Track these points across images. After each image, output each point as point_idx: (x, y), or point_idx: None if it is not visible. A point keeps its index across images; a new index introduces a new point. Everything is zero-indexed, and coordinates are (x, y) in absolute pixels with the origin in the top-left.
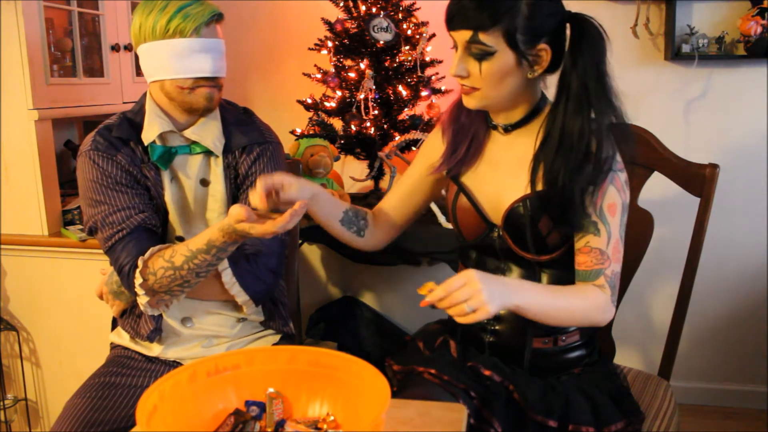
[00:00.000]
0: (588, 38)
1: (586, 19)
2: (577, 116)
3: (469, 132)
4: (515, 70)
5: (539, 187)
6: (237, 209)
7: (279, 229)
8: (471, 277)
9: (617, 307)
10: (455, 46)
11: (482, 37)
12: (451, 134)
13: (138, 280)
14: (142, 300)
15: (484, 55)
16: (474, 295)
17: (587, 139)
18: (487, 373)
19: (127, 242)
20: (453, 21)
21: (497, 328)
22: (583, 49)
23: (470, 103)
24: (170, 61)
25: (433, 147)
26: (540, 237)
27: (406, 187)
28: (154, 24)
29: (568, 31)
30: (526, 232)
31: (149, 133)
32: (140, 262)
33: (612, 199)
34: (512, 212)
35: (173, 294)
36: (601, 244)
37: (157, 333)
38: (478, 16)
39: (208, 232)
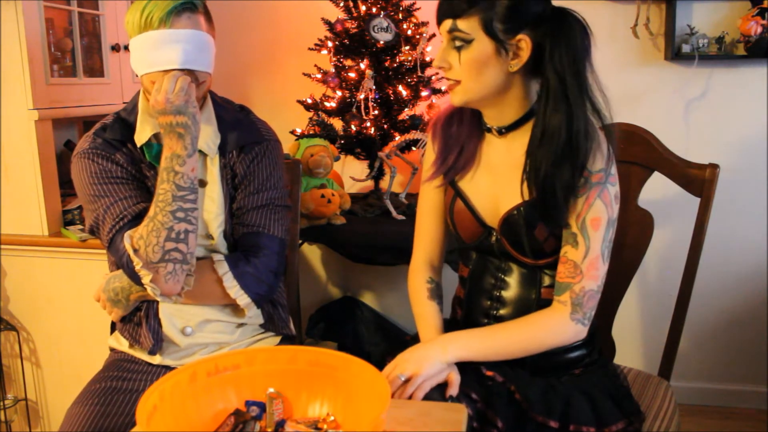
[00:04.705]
0: (566, 31)
1: (569, 12)
2: (556, 112)
3: (459, 141)
4: (494, 61)
5: (529, 194)
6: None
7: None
8: (399, 357)
9: (617, 305)
10: None
11: (460, 24)
12: (441, 143)
13: (129, 250)
14: (146, 279)
15: (462, 43)
16: (399, 364)
17: (566, 135)
18: (489, 373)
19: (128, 230)
20: (438, 14)
21: None
22: (560, 42)
23: (454, 99)
24: (143, 54)
25: (431, 162)
26: (537, 243)
27: (431, 222)
28: (132, 20)
29: None
30: (523, 238)
31: (142, 135)
32: (126, 237)
33: (597, 214)
34: (508, 219)
35: (173, 260)
36: (576, 257)
37: (157, 346)
38: (456, 3)
39: None
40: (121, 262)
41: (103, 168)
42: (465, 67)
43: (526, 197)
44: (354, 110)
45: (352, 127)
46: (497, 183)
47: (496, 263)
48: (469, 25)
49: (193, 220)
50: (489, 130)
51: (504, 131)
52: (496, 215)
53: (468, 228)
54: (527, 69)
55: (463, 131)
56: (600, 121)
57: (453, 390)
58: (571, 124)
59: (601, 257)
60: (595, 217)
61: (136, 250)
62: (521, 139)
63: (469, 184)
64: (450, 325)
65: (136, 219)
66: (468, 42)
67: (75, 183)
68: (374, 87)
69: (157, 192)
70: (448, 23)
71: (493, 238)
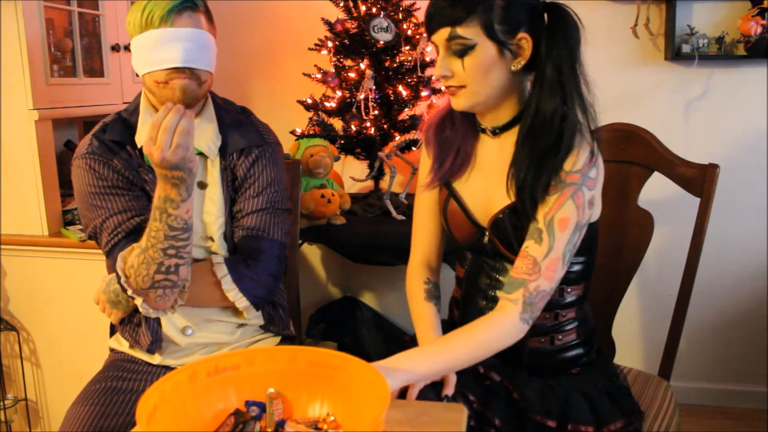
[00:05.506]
0: (563, 25)
1: (562, 6)
2: (551, 99)
3: (455, 144)
4: (498, 62)
5: (513, 196)
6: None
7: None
8: None
9: (617, 305)
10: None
11: (460, 30)
12: (437, 149)
13: (122, 278)
14: (138, 301)
15: (465, 49)
16: None
17: (558, 125)
18: (486, 373)
19: (124, 245)
20: (431, 24)
21: None
22: (557, 36)
23: (459, 103)
24: (144, 54)
25: (427, 168)
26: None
27: (428, 222)
28: (133, 19)
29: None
30: (512, 239)
31: (142, 135)
32: (120, 259)
33: (566, 214)
34: (497, 220)
35: (162, 287)
36: (537, 254)
37: (156, 345)
38: (453, 11)
39: None
40: (117, 276)
41: (100, 176)
42: (470, 72)
43: (513, 198)
44: (354, 110)
45: (352, 127)
46: (489, 183)
47: (491, 263)
48: (469, 31)
49: (185, 255)
50: (483, 131)
51: (498, 131)
52: (487, 215)
53: (462, 228)
54: (524, 66)
55: (458, 134)
56: (588, 122)
57: (449, 390)
58: (564, 114)
59: (562, 259)
60: (564, 217)
61: (127, 277)
62: (513, 139)
63: (464, 185)
64: (448, 326)
65: (131, 234)
66: (471, 47)
67: (74, 187)
68: (374, 87)
69: (149, 227)
70: (445, 32)
71: (486, 239)
